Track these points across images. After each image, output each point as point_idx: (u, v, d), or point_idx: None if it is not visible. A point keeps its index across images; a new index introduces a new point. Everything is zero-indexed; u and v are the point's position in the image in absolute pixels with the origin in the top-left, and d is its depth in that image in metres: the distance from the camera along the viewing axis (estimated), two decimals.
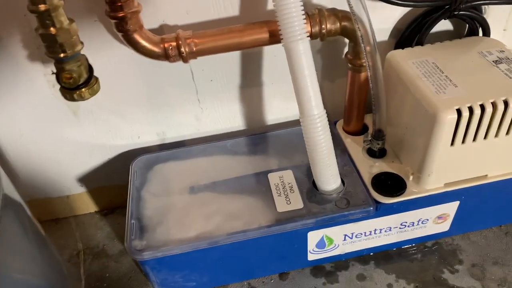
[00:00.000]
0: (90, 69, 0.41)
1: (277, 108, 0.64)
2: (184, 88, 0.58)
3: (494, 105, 0.46)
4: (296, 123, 0.62)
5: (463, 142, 0.48)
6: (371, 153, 0.57)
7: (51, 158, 0.63)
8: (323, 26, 0.50)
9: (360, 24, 0.47)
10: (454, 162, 0.50)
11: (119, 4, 0.44)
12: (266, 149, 0.62)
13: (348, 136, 0.61)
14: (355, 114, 0.60)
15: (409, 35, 0.57)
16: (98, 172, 0.66)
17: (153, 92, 0.58)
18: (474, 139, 0.48)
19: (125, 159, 0.63)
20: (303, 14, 0.45)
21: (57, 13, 0.36)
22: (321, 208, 0.52)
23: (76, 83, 0.39)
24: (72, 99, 0.40)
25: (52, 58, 0.38)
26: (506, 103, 0.46)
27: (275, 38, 0.49)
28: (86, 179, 0.67)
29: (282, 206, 0.52)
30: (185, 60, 0.50)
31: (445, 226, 0.58)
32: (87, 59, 0.42)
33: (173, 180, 0.58)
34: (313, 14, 0.50)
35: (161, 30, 0.52)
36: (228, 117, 0.63)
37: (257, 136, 0.63)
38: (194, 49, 0.49)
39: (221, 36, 0.50)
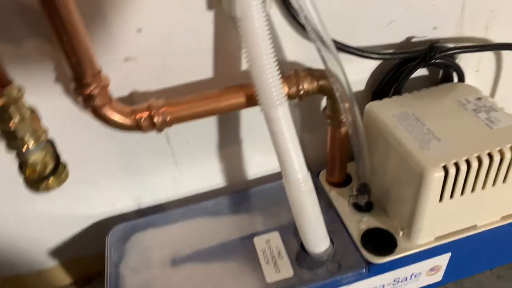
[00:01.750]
0: (56, 156, 0.38)
1: (259, 163, 0.62)
2: (159, 153, 0.56)
3: (479, 159, 0.45)
4: (279, 176, 0.61)
5: (451, 197, 0.47)
6: (357, 207, 0.56)
7: (20, 233, 0.59)
8: (300, 87, 0.48)
9: (337, 82, 0.46)
10: (444, 216, 0.49)
11: (85, 82, 0.42)
12: (249, 207, 0.59)
13: (332, 188, 0.59)
14: (338, 167, 0.59)
15: (386, 84, 0.57)
16: (72, 243, 0.61)
17: (127, 159, 0.55)
18: (462, 193, 0.47)
19: (100, 228, 0.59)
20: (279, 78, 0.44)
21: (16, 105, 0.33)
22: (312, 274, 0.49)
23: (42, 175, 0.36)
24: (37, 191, 0.37)
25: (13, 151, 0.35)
26: (490, 156, 0.45)
27: (252, 101, 0.47)
28: (58, 252, 0.62)
29: (271, 275, 0.50)
30: (159, 129, 0.47)
31: (438, 277, 0.57)
32: (53, 145, 0.39)
33: (153, 251, 0.55)
34: (289, 76, 0.48)
35: (131, 98, 0.50)
36: (207, 176, 0.61)
37: (239, 194, 0.61)
38: (168, 118, 0.47)
39: (196, 103, 0.47)
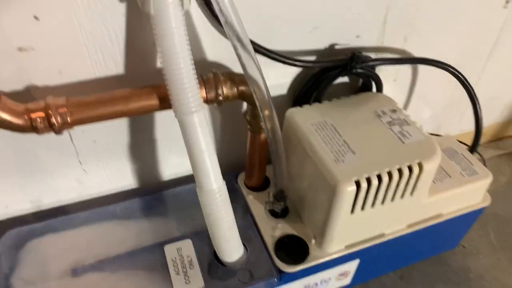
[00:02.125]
0: None
1: (175, 163, 0.59)
2: (61, 151, 0.50)
3: (390, 174, 0.46)
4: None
5: (362, 209, 0.48)
6: (273, 212, 0.55)
7: None
8: (219, 92, 0.45)
9: (256, 88, 0.44)
10: (354, 227, 0.50)
11: None
12: (162, 211, 0.56)
13: (250, 192, 0.58)
14: (257, 171, 0.57)
15: (307, 90, 0.56)
16: None
17: (23, 157, 0.49)
18: (373, 205, 0.48)
19: None
20: (196, 83, 0.41)
21: None
22: (223, 285, 0.48)
23: None
24: None
25: None
26: (400, 171, 0.47)
27: (167, 104, 0.44)
28: None
29: (180, 287, 0.47)
30: (58, 132, 0.42)
31: (346, 281, 0.59)
32: None
33: (51, 260, 0.50)
34: (208, 79, 0.45)
35: (28, 93, 0.44)
36: (117, 177, 0.56)
37: (152, 196, 0.57)
38: (69, 119, 0.41)
39: (101, 104, 0.43)
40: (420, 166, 0.47)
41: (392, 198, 0.49)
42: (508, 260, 0.67)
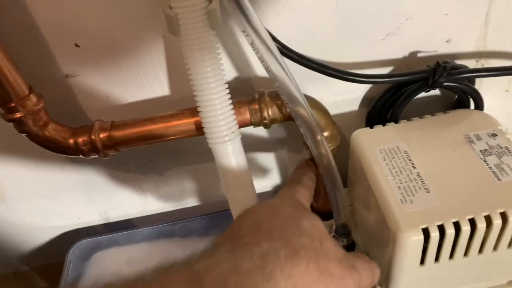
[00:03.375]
0: None
1: None
2: (120, 170, 0.51)
3: (473, 222, 0.36)
4: (263, 196, 0.55)
5: (436, 260, 0.38)
6: None
7: None
8: (264, 115, 0.41)
9: (296, 109, 0.38)
10: (429, 280, 0.41)
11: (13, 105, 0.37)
12: (220, 232, 0.54)
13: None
14: (322, 193, 0.51)
15: (381, 107, 0.47)
16: (41, 251, 0.60)
17: (84, 173, 0.51)
18: (451, 257, 0.38)
19: (68, 238, 0.57)
20: (230, 108, 0.37)
21: None
22: None
23: None
24: None
25: None
26: (488, 219, 0.36)
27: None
28: (31, 258, 0.61)
29: None
30: (104, 155, 0.42)
31: None
32: None
33: (111, 274, 0.51)
34: (252, 100, 0.41)
35: (77, 116, 0.45)
36: (178, 195, 0.56)
37: (212, 216, 0.55)
38: (111, 143, 0.41)
39: (142, 128, 0.42)
40: None
41: (480, 251, 0.38)
42: None
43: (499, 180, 0.38)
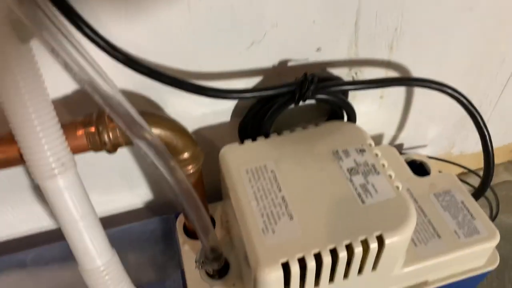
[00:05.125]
0: None
1: (98, 203, 0.49)
2: None
3: (333, 252, 0.34)
4: (126, 216, 0.49)
5: None
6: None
7: None
8: (104, 139, 0.34)
9: (144, 142, 0.32)
10: None
11: None
12: None
13: (186, 240, 0.47)
14: None
15: (253, 117, 0.44)
16: None
17: None
18: (317, 285, 0.36)
19: None
20: (59, 135, 0.30)
21: None
22: None
23: None
24: None
25: None
26: (349, 248, 0.34)
27: None
28: None
29: None
30: None
31: None
32: None
33: None
34: (89, 122, 0.34)
35: None
36: (30, 219, 0.48)
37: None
38: None
39: None
40: (381, 240, 0.34)
41: (345, 276, 0.37)
42: None
43: (363, 202, 0.36)
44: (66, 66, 0.27)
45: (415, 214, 0.36)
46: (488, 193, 0.50)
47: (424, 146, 0.61)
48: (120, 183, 0.48)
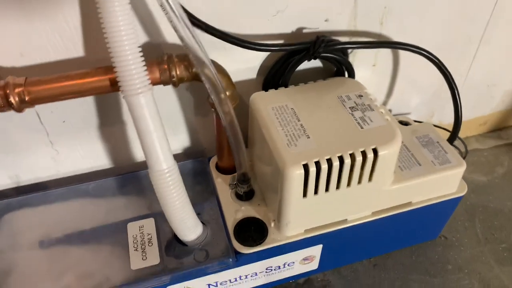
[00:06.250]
0: None
1: None
2: (31, 131, 0.53)
3: (341, 159, 0.46)
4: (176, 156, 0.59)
5: (315, 193, 0.48)
6: (238, 195, 0.56)
7: None
8: (173, 74, 0.46)
9: (202, 69, 0.44)
10: (310, 211, 0.50)
11: None
12: (133, 191, 0.58)
13: (219, 175, 0.59)
14: (226, 152, 0.58)
15: (274, 74, 0.56)
16: None
17: None
18: (327, 190, 0.48)
19: None
20: (143, 64, 0.42)
21: None
22: (178, 263, 0.50)
23: None
24: None
25: None
26: (352, 156, 0.46)
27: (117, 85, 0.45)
28: None
29: (136, 262, 0.49)
30: (18, 110, 0.44)
31: (313, 265, 0.59)
32: None
33: (23, 233, 0.53)
34: (162, 61, 0.46)
35: None
36: (91, 156, 0.59)
37: (124, 176, 0.59)
38: (27, 98, 0.44)
39: (57, 83, 0.45)
40: (375, 151, 0.46)
41: (348, 184, 0.48)
42: (492, 254, 0.65)
43: (362, 128, 0.49)
44: (162, 7, 0.39)
45: (400, 135, 0.48)
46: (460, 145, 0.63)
47: (408, 113, 0.73)
48: (165, 128, 0.59)
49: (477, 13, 0.62)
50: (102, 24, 0.39)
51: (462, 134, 0.64)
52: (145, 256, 0.50)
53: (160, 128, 0.44)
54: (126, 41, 0.40)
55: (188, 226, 0.50)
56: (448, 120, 0.78)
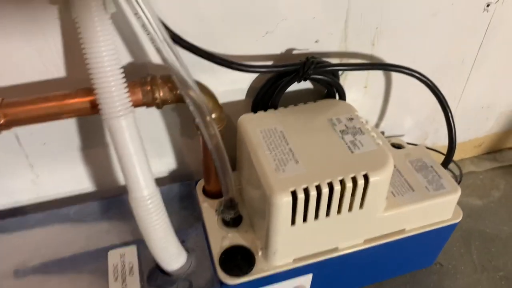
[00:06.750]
0: None
1: None
2: (9, 153, 0.51)
3: (330, 185, 0.44)
4: (158, 182, 0.58)
5: (304, 220, 0.45)
6: (225, 221, 0.54)
7: None
8: (156, 95, 0.45)
9: (188, 98, 0.42)
10: (300, 239, 0.48)
11: None
12: (116, 216, 0.56)
13: (206, 199, 0.57)
14: (213, 176, 0.56)
15: (263, 96, 0.54)
16: None
17: None
18: (316, 217, 0.46)
19: None
20: (124, 85, 0.40)
21: None
22: None
23: None
24: None
25: None
26: (342, 183, 0.44)
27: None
28: None
29: None
30: None
31: None
32: None
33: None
34: (145, 82, 0.45)
35: None
36: (73, 179, 0.57)
37: (108, 200, 0.57)
38: (2, 120, 0.42)
39: (35, 106, 0.43)
40: (366, 177, 0.44)
41: (338, 211, 0.46)
42: (489, 282, 0.62)
43: (352, 152, 0.47)
44: (144, 28, 0.37)
45: (392, 161, 0.46)
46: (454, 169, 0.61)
47: (401, 135, 0.72)
48: (150, 150, 0.57)
49: (470, 35, 0.62)
50: (82, 44, 0.38)
51: (457, 156, 0.63)
52: (125, 286, 0.47)
53: (141, 152, 0.43)
54: (107, 62, 0.39)
55: (171, 255, 0.47)
56: (443, 142, 0.77)
